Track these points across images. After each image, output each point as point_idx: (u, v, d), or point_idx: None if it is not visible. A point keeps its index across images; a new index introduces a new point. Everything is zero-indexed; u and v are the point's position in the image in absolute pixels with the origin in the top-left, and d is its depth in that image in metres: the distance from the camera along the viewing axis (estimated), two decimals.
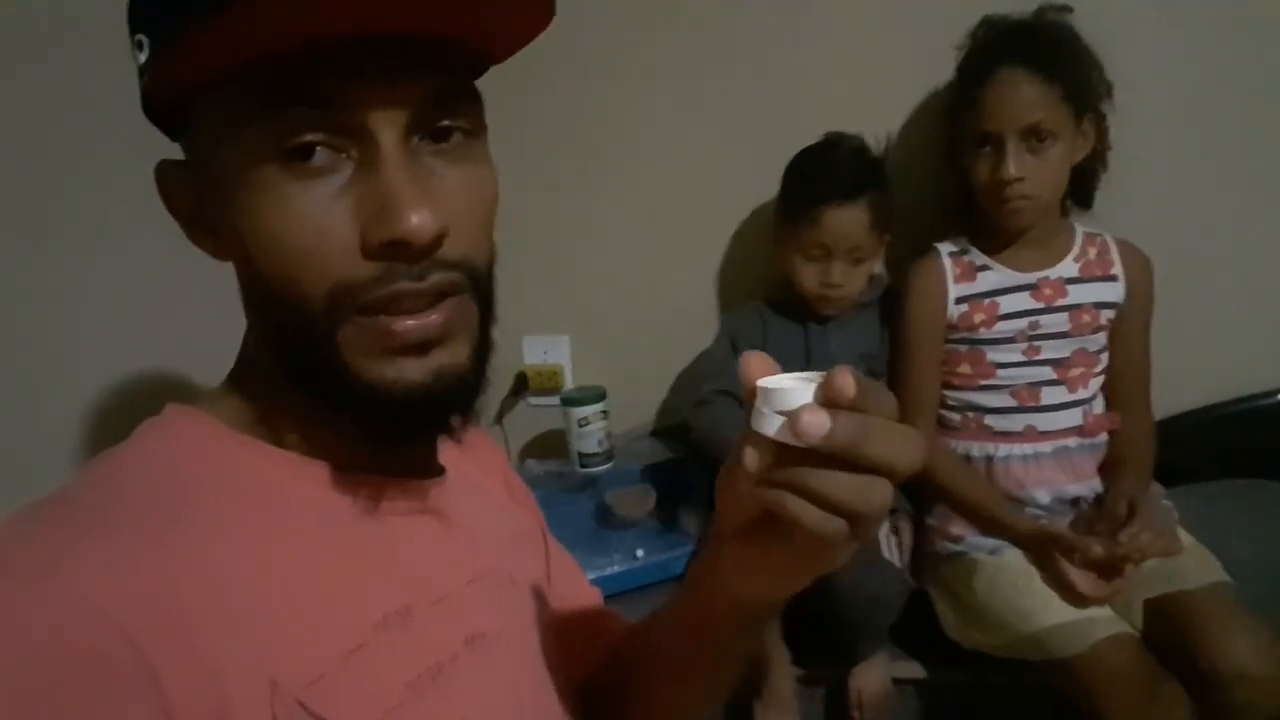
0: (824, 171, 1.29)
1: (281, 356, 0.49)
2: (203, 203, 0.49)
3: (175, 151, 0.51)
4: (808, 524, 0.39)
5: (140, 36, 0.47)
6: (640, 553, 1.34)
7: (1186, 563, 1.15)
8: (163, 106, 0.48)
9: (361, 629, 0.47)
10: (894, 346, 1.34)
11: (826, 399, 0.38)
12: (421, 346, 0.46)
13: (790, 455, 0.39)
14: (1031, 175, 1.18)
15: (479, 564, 0.57)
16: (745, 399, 0.41)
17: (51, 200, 1.26)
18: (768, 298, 1.40)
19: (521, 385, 1.58)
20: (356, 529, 0.50)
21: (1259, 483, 1.34)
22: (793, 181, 1.33)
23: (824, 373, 0.39)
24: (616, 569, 1.33)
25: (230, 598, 0.42)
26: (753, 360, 0.42)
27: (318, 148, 0.43)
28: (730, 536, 0.48)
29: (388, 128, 0.44)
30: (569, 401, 1.41)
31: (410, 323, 0.45)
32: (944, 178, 1.36)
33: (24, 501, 0.44)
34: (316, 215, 0.44)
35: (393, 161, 0.44)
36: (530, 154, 1.40)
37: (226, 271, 0.51)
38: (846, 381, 0.38)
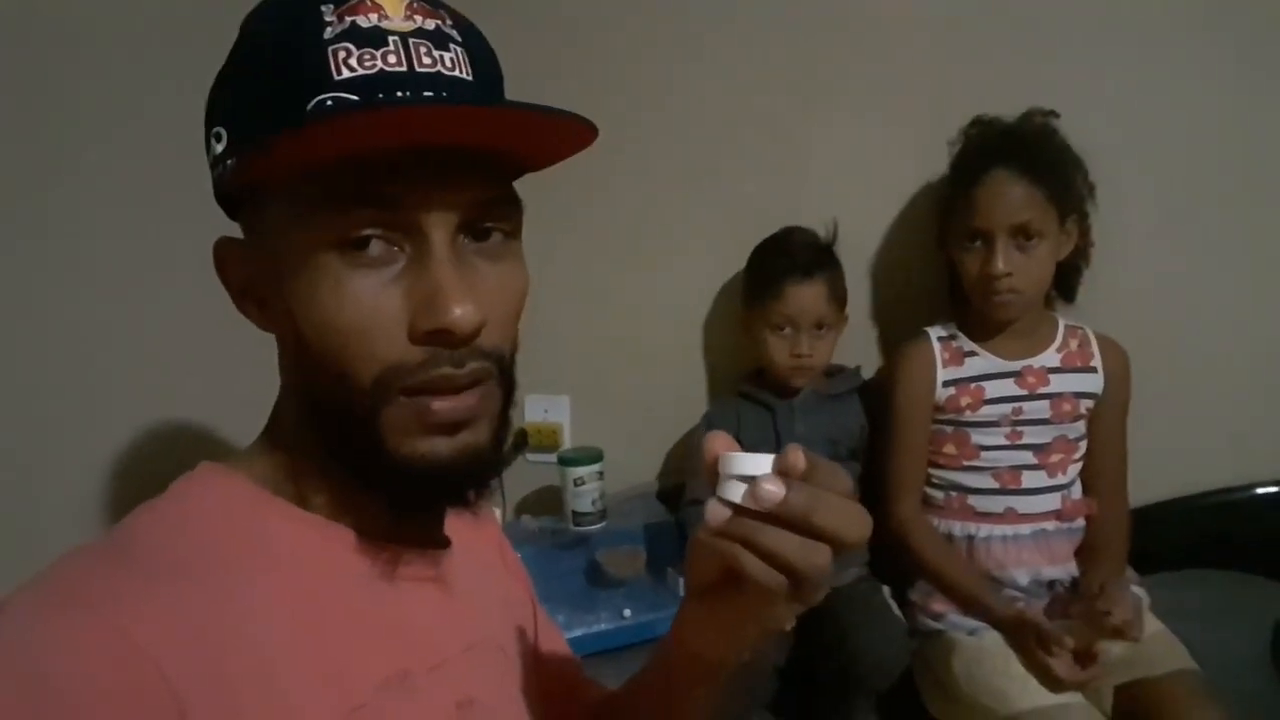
0: (784, 253, 1.41)
1: (319, 427, 0.53)
2: (256, 278, 0.54)
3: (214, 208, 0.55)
4: (753, 574, 0.44)
5: (219, 130, 0.52)
6: (628, 612, 1.37)
7: (1155, 650, 1.18)
8: (230, 191, 0.53)
9: (364, 689, 0.50)
10: (883, 425, 1.39)
11: (783, 470, 0.45)
12: (453, 426, 0.50)
13: (748, 519, 0.45)
14: (1019, 271, 1.25)
15: (475, 632, 0.61)
16: (706, 471, 0.47)
17: (92, 243, 1.31)
18: (739, 390, 1.49)
19: (521, 441, 1.62)
20: (369, 592, 0.54)
21: (1229, 573, 1.39)
22: (756, 265, 1.45)
23: (780, 452, 0.46)
24: (604, 627, 1.35)
25: (253, 648, 0.46)
26: (717, 439, 0.48)
27: (374, 240, 0.48)
28: (692, 596, 0.53)
29: (439, 228, 0.49)
30: (566, 461, 1.44)
31: (447, 403, 0.50)
32: (938, 266, 1.43)
33: (52, 537, 0.48)
34: (370, 300, 0.48)
35: (442, 258, 0.49)
36: (547, 224, 1.46)
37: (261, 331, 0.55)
38: (798, 457, 0.45)
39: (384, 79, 0.47)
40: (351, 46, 0.47)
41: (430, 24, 0.49)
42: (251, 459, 0.56)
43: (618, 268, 1.59)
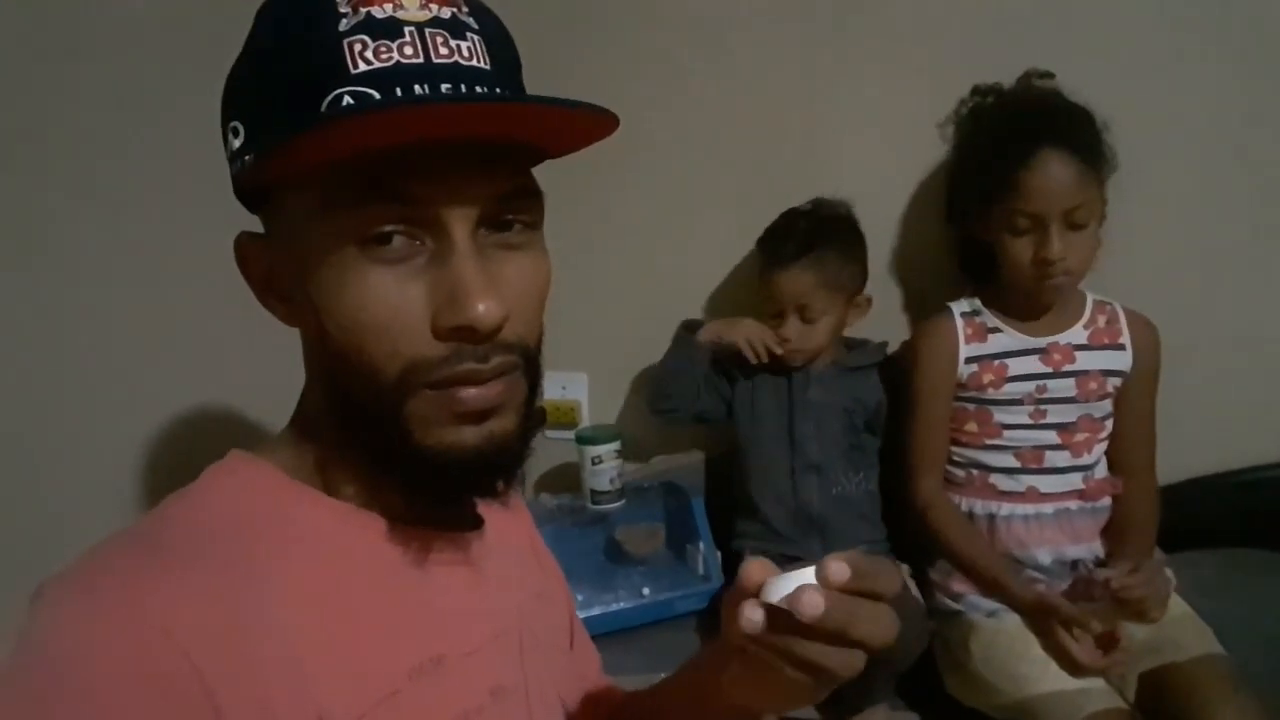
0: (779, 237, 1.39)
1: (344, 418, 0.52)
2: (277, 273, 0.53)
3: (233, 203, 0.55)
4: (792, 678, 0.47)
5: (236, 124, 0.51)
6: (646, 591, 1.37)
7: (1181, 634, 1.17)
8: (249, 188, 0.53)
9: (398, 675, 0.50)
10: (904, 401, 1.37)
11: (824, 581, 0.45)
12: (479, 415, 0.50)
13: (782, 618, 0.46)
14: (1071, 253, 1.21)
15: (504, 619, 0.61)
16: (743, 590, 0.48)
17: (122, 234, 1.32)
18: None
19: (540, 419, 1.61)
20: (401, 578, 0.54)
21: (1259, 552, 1.36)
22: (758, 247, 1.43)
23: (821, 561, 0.46)
24: (622, 605, 1.35)
25: (283, 636, 0.46)
26: (754, 566, 0.49)
27: (396, 236, 0.48)
28: (735, 651, 0.53)
29: (461, 223, 0.48)
30: (584, 440, 1.44)
31: (473, 392, 0.49)
32: (948, 239, 1.40)
33: (85, 523, 0.48)
34: (393, 297, 0.48)
35: (464, 253, 0.48)
36: (563, 200, 1.44)
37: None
38: (841, 568, 0.45)
39: (401, 72, 0.46)
40: (367, 39, 0.46)
41: (446, 12, 0.48)
42: (280, 448, 0.56)
43: (635, 245, 1.57)
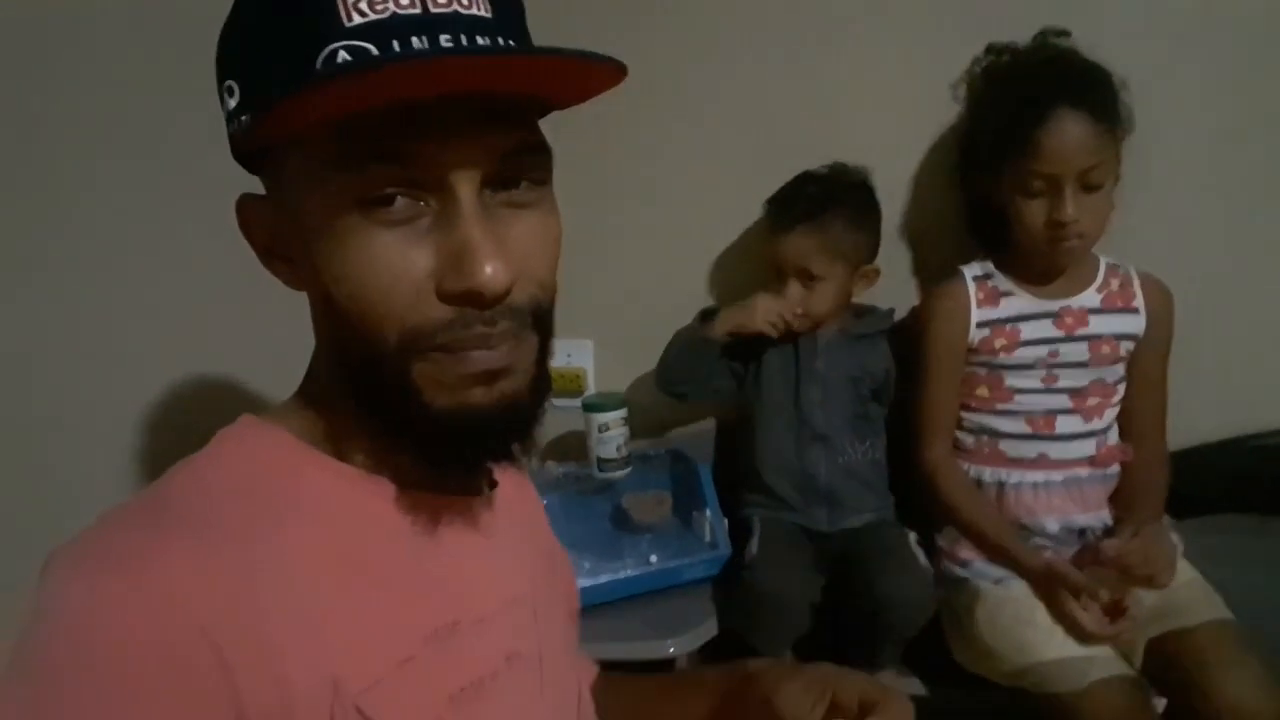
0: (786, 201, 1.37)
1: (353, 383, 0.51)
2: (280, 236, 0.52)
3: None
4: None
5: (231, 83, 0.49)
6: (654, 558, 1.37)
7: (1189, 599, 1.17)
8: (248, 149, 0.51)
9: (413, 641, 0.50)
10: (915, 365, 1.35)
11: None
12: (489, 375, 0.49)
13: None
14: (1085, 215, 1.18)
15: (517, 586, 0.61)
16: None
17: (128, 205, 1.30)
18: None
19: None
20: (413, 544, 0.53)
21: (1270, 519, 1.35)
22: (765, 209, 1.41)
23: None
24: (629, 572, 1.35)
25: (298, 604, 0.46)
26: None
27: (398, 197, 0.46)
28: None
29: (466, 184, 0.47)
30: (590, 407, 1.43)
31: (481, 354, 0.48)
32: (957, 201, 1.38)
33: (94, 491, 0.48)
34: (395, 260, 0.47)
35: (470, 215, 0.46)
36: (567, 164, 1.42)
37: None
38: None
39: (398, 23, 0.44)
40: None
41: None
42: (290, 413, 0.55)
43: (642, 210, 1.55)
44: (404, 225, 0.47)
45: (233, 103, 0.50)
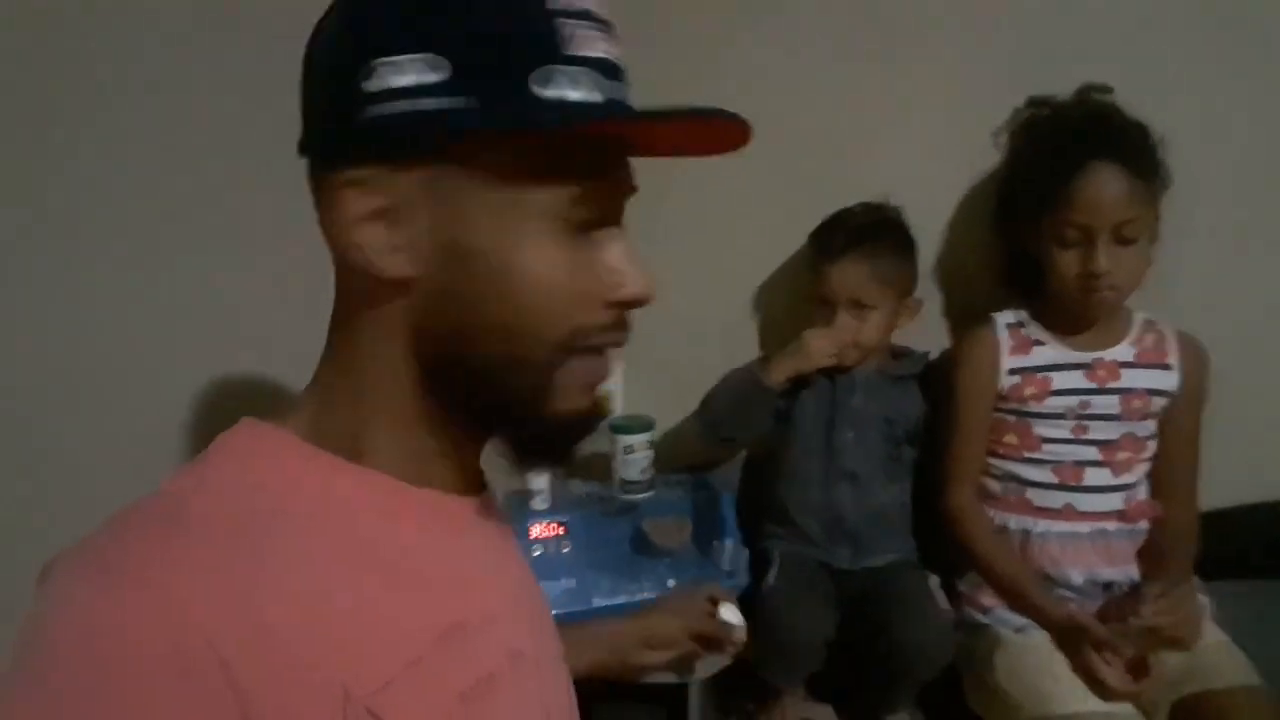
0: (832, 230, 1.38)
1: (445, 381, 0.52)
2: (400, 222, 0.49)
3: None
4: None
5: (431, 56, 0.46)
6: (671, 582, 1.36)
7: (1215, 661, 1.15)
8: (418, 131, 0.48)
9: (421, 641, 0.50)
10: (944, 408, 1.35)
11: None
12: (600, 381, 0.55)
13: None
14: (1118, 268, 1.19)
15: (516, 586, 0.62)
16: None
17: (131, 205, 1.32)
18: None
19: None
20: (419, 543, 0.54)
21: None
22: (810, 241, 1.42)
23: None
24: (647, 595, 1.34)
25: (306, 606, 0.45)
26: None
27: (597, 213, 0.52)
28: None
29: (621, 208, 0.56)
30: (617, 429, 1.44)
31: (603, 361, 0.55)
32: (995, 250, 1.39)
33: (108, 494, 0.48)
34: (583, 268, 0.52)
35: (627, 235, 0.55)
36: None
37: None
38: None
39: (604, 67, 0.50)
40: (572, 21, 0.49)
41: (603, 9, 0.52)
42: (298, 412, 0.54)
43: (676, 236, 1.57)
44: (586, 236, 0.52)
45: (434, 77, 0.46)
